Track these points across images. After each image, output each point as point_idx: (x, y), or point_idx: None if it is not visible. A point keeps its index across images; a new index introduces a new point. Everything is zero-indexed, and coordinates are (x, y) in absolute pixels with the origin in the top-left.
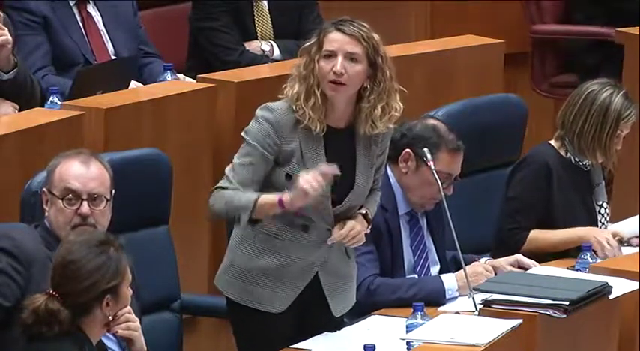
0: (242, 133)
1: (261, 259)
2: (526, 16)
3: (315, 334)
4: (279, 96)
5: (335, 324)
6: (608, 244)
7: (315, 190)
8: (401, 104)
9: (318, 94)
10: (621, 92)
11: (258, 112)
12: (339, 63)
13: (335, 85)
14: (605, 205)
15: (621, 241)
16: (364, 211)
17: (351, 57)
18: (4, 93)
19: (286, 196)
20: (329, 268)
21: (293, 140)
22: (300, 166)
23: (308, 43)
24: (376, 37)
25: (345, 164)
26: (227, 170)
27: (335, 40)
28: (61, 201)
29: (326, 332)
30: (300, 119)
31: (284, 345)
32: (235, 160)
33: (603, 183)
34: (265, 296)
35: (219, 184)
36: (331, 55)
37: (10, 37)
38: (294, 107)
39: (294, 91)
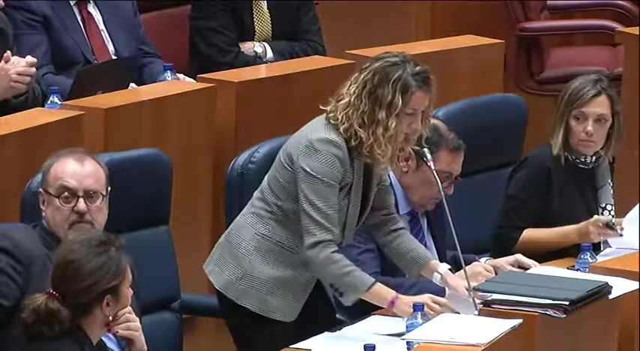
0: (309, 170)
1: (277, 271)
2: (510, 15)
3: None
4: (330, 116)
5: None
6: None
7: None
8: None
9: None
10: (589, 78)
11: (322, 147)
12: (419, 121)
13: (404, 138)
14: (609, 207)
15: (611, 227)
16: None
17: (423, 111)
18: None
19: (399, 305)
20: None
21: (350, 174)
22: (346, 197)
23: (389, 98)
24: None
25: (366, 189)
26: (317, 217)
27: (420, 99)
28: (57, 199)
29: (326, 332)
30: (381, 170)
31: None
32: (320, 203)
33: (609, 184)
34: (280, 306)
35: (322, 236)
36: (413, 114)
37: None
38: (383, 162)
39: (382, 148)
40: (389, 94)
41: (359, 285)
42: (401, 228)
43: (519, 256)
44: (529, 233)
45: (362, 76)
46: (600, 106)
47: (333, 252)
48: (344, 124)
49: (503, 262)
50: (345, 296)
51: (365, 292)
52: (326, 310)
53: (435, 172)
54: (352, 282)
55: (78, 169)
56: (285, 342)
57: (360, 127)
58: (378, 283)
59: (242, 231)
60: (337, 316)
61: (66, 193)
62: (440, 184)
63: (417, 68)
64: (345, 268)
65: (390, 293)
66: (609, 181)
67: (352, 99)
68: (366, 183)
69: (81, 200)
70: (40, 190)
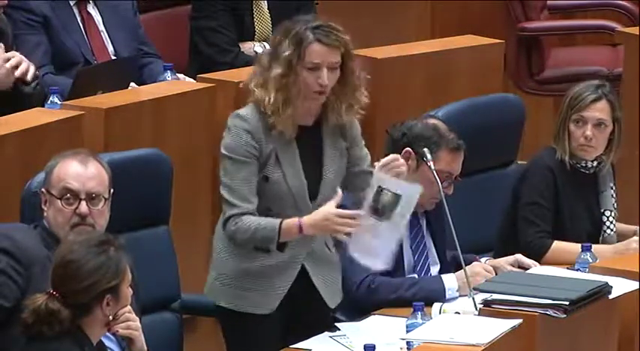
0: (222, 150)
1: (244, 263)
2: (510, 15)
3: (309, 333)
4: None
5: (327, 321)
6: None
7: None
8: (367, 97)
9: (297, 103)
10: (591, 83)
11: (231, 122)
12: (325, 76)
13: (318, 95)
14: (607, 212)
15: None
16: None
17: (331, 66)
18: (23, 103)
19: (306, 226)
20: (314, 258)
21: (269, 144)
22: (277, 168)
23: (285, 53)
24: (347, 38)
25: (314, 159)
26: (225, 195)
27: (318, 52)
28: (59, 201)
29: (326, 332)
30: (275, 124)
31: (277, 347)
32: (226, 180)
33: (611, 190)
34: (256, 299)
35: (228, 212)
36: (315, 68)
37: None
38: (269, 112)
39: (271, 100)
40: (284, 49)
41: (269, 234)
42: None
43: (519, 256)
44: (560, 244)
45: (272, 38)
46: (600, 111)
47: (237, 223)
48: (248, 89)
49: (503, 262)
50: (270, 249)
51: (278, 238)
52: (316, 307)
53: (434, 172)
54: (264, 235)
55: (81, 171)
56: (272, 338)
57: (256, 87)
58: (284, 221)
59: (217, 231)
60: (336, 315)
61: (68, 195)
62: (440, 184)
63: (319, 22)
64: (250, 230)
65: (295, 222)
66: (611, 185)
67: (258, 59)
68: (312, 153)
69: (83, 203)
70: (43, 190)
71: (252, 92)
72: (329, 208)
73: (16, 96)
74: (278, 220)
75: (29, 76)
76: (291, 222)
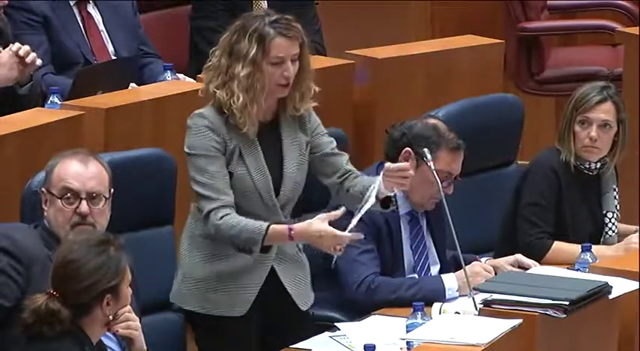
0: (186, 150)
1: (213, 265)
2: (510, 15)
3: (286, 333)
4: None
5: (305, 319)
6: None
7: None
8: (315, 86)
9: (262, 101)
10: (596, 84)
11: (191, 121)
12: (290, 68)
13: (284, 88)
14: (610, 214)
15: None
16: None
17: (293, 58)
18: (20, 104)
19: (297, 235)
20: (283, 259)
21: (231, 140)
22: (241, 165)
23: (246, 51)
24: (301, 28)
25: (275, 154)
26: (200, 191)
27: (282, 46)
28: (59, 200)
29: (326, 332)
30: (239, 125)
31: (253, 348)
32: (197, 177)
33: (614, 191)
34: (225, 301)
35: (207, 207)
36: (280, 62)
37: (38, 60)
38: (236, 113)
39: (239, 100)
40: (245, 47)
41: (256, 237)
42: (349, 171)
43: (519, 256)
44: (560, 245)
45: (223, 38)
46: (605, 112)
47: (221, 217)
48: (208, 93)
49: (503, 262)
50: (253, 251)
51: (265, 240)
52: (290, 307)
53: (434, 171)
54: (249, 237)
55: (81, 171)
56: (248, 340)
57: (217, 89)
58: (272, 226)
59: (183, 236)
60: (336, 315)
61: (68, 195)
62: (440, 183)
63: (276, 17)
64: (236, 228)
65: (284, 229)
66: (614, 187)
67: (213, 62)
68: (273, 149)
69: (83, 202)
70: (43, 189)
71: (213, 95)
72: (324, 225)
73: (12, 97)
74: (265, 224)
75: (38, 62)
76: (281, 228)
